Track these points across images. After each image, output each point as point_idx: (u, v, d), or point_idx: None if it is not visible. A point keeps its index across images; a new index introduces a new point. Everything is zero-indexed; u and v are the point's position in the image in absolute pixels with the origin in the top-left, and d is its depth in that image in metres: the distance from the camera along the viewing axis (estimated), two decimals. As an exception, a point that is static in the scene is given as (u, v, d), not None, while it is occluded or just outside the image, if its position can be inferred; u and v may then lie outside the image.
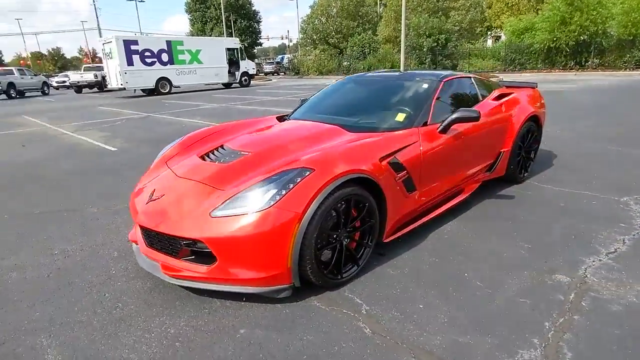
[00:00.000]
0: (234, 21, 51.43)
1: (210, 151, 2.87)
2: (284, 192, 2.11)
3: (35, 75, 26.68)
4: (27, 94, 25.17)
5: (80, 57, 70.86)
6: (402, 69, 24.68)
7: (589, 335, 1.89)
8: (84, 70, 26.56)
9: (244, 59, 24.43)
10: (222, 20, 51.11)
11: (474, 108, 3.25)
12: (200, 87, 23.60)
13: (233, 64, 23.93)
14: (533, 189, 3.90)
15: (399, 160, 2.64)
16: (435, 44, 27.91)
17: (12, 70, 24.60)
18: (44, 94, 25.64)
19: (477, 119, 2.95)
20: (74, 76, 26.13)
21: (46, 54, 75.01)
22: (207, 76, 22.65)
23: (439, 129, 2.99)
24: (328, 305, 2.22)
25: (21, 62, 60.02)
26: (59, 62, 72.97)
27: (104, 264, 2.76)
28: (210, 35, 42.73)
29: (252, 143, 2.90)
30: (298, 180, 2.14)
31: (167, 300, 2.30)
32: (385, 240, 2.67)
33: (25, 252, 3.02)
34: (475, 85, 3.75)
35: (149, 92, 20.99)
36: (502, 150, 3.74)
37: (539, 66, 25.01)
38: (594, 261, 2.54)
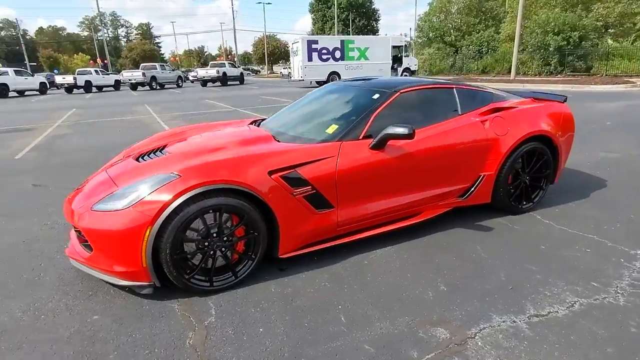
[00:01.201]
0: (352, 20, 52.35)
1: (150, 151, 3.11)
2: (145, 194, 2.22)
3: (173, 70, 31.24)
4: (166, 86, 29.64)
5: (220, 54, 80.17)
6: (513, 72, 22.10)
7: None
8: (209, 67, 30.12)
9: (408, 56, 25.16)
10: (341, 20, 52.57)
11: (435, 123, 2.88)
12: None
13: (397, 60, 25.00)
14: (526, 224, 3.26)
15: (300, 175, 2.51)
16: (565, 42, 24.22)
17: (155, 65, 29.21)
18: (178, 86, 29.87)
19: (407, 136, 2.61)
20: (200, 72, 29.84)
21: (194, 51, 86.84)
22: (371, 72, 23.80)
23: (371, 145, 2.73)
24: (184, 310, 2.27)
25: (172, 58, 70.65)
26: (202, 59, 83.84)
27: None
28: (329, 34, 44.34)
29: (183, 145, 3.05)
30: (161, 185, 2.23)
31: (76, 278, 2.62)
32: (281, 256, 2.57)
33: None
34: (457, 98, 3.27)
35: (321, 84, 23.19)
36: (482, 174, 3.21)
37: None
38: (504, 321, 2.07)
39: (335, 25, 39.81)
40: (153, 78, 27.47)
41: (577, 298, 2.25)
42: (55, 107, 16.49)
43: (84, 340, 2.03)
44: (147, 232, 2.16)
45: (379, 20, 57.60)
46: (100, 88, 28.33)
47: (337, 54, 23.70)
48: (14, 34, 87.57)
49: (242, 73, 31.62)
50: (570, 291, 2.31)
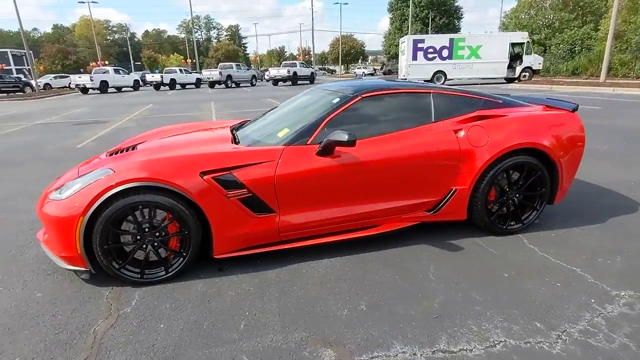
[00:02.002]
0: (432, 18, 50.42)
1: (128, 147, 3.32)
2: (82, 187, 2.41)
3: (248, 69, 32.92)
4: (241, 85, 31.38)
5: (299, 54, 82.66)
6: (603, 74, 19.52)
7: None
8: (281, 66, 31.20)
9: (530, 53, 23.70)
10: (420, 18, 50.92)
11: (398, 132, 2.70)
12: (476, 80, 24.51)
13: (516, 58, 23.57)
14: (505, 247, 2.89)
15: (235, 177, 2.52)
16: (679, 40, 20.82)
17: (231, 65, 31.04)
18: (252, 85, 31.43)
19: (347, 143, 2.47)
20: (272, 71, 31.04)
21: (275, 51, 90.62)
22: (482, 71, 23.37)
23: (317, 152, 2.64)
24: (111, 297, 2.42)
25: (253, 58, 74.38)
26: (281, 58, 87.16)
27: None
28: (407, 33, 43.11)
29: (152, 144, 3.21)
30: (95, 180, 2.40)
31: (47, 259, 2.93)
32: (216, 256, 2.61)
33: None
34: (432, 104, 3.01)
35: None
36: (454, 188, 2.92)
37: None
38: (403, 352, 1.88)
39: (410, 24, 38.51)
40: (229, 77, 29.23)
41: (505, 338, 1.95)
42: (136, 102, 18.40)
43: (16, 313, 2.27)
44: (79, 221, 2.34)
45: (461, 18, 54.77)
46: (183, 85, 30.92)
47: (445, 53, 23.19)
48: (125, 37, 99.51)
49: (312, 73, 32.25)
50: (503, 329, 2.02)
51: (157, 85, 29.09)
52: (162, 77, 28.67)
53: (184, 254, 2.56)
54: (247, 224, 2.61)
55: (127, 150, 3.11)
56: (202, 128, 3.71)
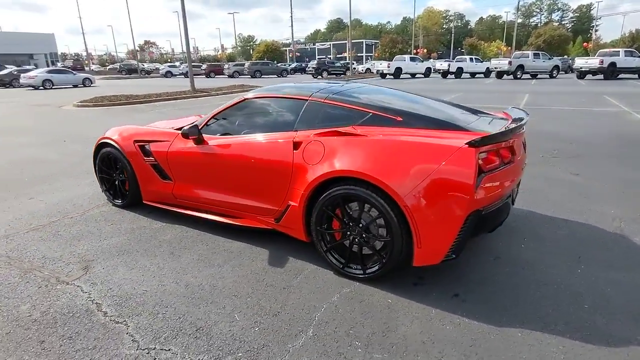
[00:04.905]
0: None
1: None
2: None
3: (549, 58, 28.30)
4: (538, 76, 27.63)
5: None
6: None
7: None
8: (596, 56, 25.10)
9: None
10: None
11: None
12: None
13: None
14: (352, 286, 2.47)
15: (149, 148, 3.50)
16: None
17: (527, 54, 27.57)
18: (551, 77, 27.09)
19: (183, 135, 3.04)
20: (579, 61, 25.56)
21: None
22: None
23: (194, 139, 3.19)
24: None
25: (585, 44, 61.35)
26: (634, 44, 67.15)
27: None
28: None
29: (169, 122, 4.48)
30: (103, 134, 3.97)
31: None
32: (145, 202, 3.71)
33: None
34: (302, 112, 2.77)
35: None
36: (289, 203, 2.69)
37: None
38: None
39: None
40: (519, 67, 26.38)
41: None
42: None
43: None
44: (93, 157, 4.02)
45: None
46: (472, 75, 30.49)
47: None
48: (461, 25, 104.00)
49: (645, 65, 24.23)
50: None
51: (444, 74, 30.11)
52: (449, 65, 29.44)
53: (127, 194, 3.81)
54: (157, 185, 3.54)
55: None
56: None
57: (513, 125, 2.44)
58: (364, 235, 2.44)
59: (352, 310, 2.24)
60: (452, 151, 2.16)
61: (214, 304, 2.32)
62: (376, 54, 66.05)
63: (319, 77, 33.43)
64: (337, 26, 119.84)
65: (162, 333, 2.07)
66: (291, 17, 54.90)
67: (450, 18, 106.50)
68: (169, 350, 1.95)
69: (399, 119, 2.53)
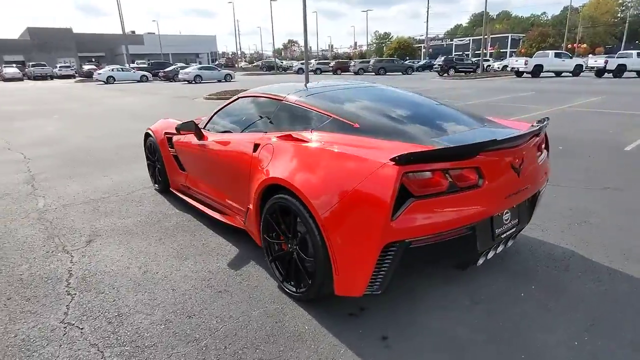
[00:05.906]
0: None
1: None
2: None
3: None
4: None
5: None
6: None
7: None
8: None
9: None
10: None
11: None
12: None
13: None
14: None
15: (172, 140, 3.81)
16: None
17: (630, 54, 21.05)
18: None
19: (176, 129, 3.23)
20: None
21: None
22: None
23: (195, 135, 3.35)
24: (145, 188, 4.53)
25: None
26: None
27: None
28: None
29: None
30: (152, 125, 4.46)
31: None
32: (171, 189, 4.05)
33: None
34: (274, 113, 2.64)
35: None
36: (249, 206, 2.60)
37: None
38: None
39: None
40: (620, 66, 20.90)
41: None
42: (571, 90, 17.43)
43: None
44: (145, 145, 4.56)
45: None
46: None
47: None
48: (638, 13, 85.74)
49: None
50: None
51: (600, 72, 25.08)
52: (606, 62, 24.31)
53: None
54: (179, 175, 3.84)
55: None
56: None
57: (481, 141, 1.90)
58: (299, 251, 2.23)
59: (260, 329, 2.08)
60: (374, 167, 1.80)
61: (149, 294, 2.41)
62: (521, 50, 58.91)
63: (445, 74, 31.45)
64: (480, 20, 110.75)
65: (89, 312, 2.25)
66: (427, 11, 52.75)
67: (629, 4, 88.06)
68: (82, 329, 2.11)
69: (356, 125, 2.23)
